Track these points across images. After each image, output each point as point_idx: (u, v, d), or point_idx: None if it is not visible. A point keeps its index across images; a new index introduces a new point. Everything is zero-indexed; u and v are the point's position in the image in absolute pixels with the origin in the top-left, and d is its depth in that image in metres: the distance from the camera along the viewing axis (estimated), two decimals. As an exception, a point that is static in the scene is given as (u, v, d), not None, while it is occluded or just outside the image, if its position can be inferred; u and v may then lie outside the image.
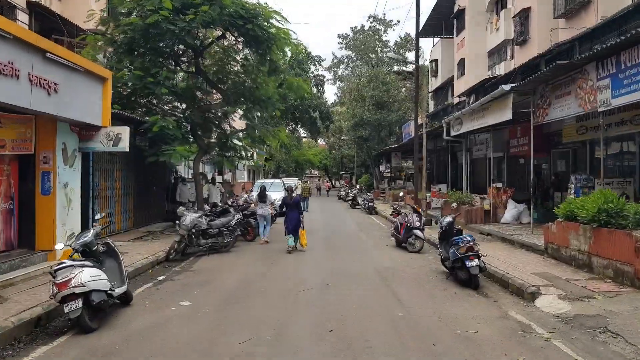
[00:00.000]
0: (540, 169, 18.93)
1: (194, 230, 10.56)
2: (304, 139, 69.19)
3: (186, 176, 20.53)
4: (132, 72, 12.41)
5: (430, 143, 27.58)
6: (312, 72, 49.22)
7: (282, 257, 10.88)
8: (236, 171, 27.00)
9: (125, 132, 9.26)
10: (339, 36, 47.87)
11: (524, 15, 23.00)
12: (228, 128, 15.47)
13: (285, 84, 14.49)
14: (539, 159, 18.85)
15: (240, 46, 14.47)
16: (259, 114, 15.37)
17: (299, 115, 49.09)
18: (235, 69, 15.14)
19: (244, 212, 13.47)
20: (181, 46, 14.13)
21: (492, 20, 28.04)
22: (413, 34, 54.28)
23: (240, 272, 9.07)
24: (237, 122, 16.74)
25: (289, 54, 15.01)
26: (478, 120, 13.93)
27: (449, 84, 36.41)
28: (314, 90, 49.53)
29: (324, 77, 50.18)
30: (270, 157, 47.42)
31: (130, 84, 12.85)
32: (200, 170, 21.35)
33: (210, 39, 14.11)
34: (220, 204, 13.96)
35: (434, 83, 40.41)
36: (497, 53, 28.35)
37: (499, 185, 15.23)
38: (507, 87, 11.23)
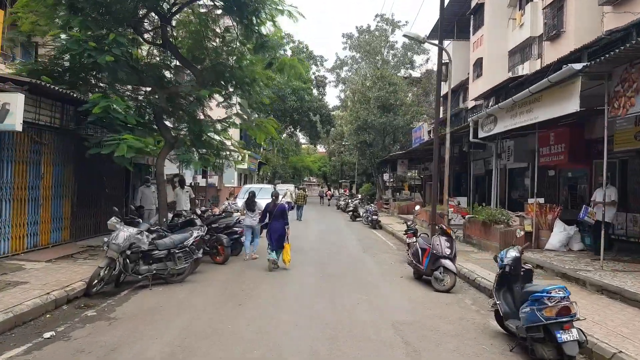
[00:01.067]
0: (576, 183, 15.88)
1: (129, 252, 7.35)
2: (303, 145, 66.17)
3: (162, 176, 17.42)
4: (69, 33, 9.26)
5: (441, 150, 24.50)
6: (314, 73, 46.35)
7: (255, 290, 7.66)
8: (223, 174, 23.80)
9: (16, 101, 6.13)
10: (343, 35, 45.00)
11: (557, 5, 20.04)
12: (202, 117, 12.28)
13: (275, 63, 11.36)
14: (574, 171, 15.82)
15: (219, 12, 11.37)
16: (239, 100, 12.22)
17: (298, 118, 46.14)
18: (214, 43, 12.03)
19: (212, 225, 10.28)
20: (144, 10, 11.04)
21: (516, 15, 25.12)
22: (422, 35, 51.59)
23: (184, 323, 5.84)
24: (217, 111, 13.54)
25: (289, 48, 11.85)
26: (522, 116, 10.79)
27: (461, 88, 33.49)
28: (315, 92, 46.61)
29: (325, 78, 47.25)
30: (265, 162, 44.30)
31: (74, 52, 9.66)
32: (177, 172, 18.21)
33: (181, 3, 11.02)
34: (184, 213, 10.77)
35: (444, 88, 37.50)
36: (520, 52, 25.45)
37: (541, 200, 12.07)
38: (577, 66, 8.10)
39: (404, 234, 11.49)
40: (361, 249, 13.52)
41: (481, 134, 13.48)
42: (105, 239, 7.34)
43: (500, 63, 26.43)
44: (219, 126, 12.29)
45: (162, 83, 11.73)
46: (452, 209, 13.47)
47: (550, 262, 9.45)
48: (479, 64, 28.32)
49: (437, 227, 8.81)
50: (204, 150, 12.69)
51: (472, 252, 11.94)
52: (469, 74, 30.65)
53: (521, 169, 19.08)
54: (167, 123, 12.48)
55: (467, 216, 13.10)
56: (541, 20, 22.27)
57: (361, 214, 24.14)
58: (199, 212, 11.12)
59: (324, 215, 28.65)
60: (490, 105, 24.97)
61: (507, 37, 26.32)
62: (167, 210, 11.84)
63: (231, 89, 11.84)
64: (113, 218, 7.50)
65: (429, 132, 26.35)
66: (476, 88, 27.99)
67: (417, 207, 13.09)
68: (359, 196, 30.71)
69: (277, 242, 9.60)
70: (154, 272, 7.65)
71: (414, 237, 11.06)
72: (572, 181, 16.07)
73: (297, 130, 50.06)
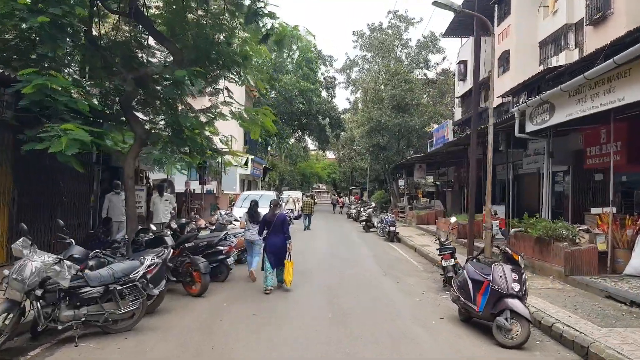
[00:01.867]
0: (629, 189, 13.20)
1: (40, 292, 4.88)
2: (312, 152, 63.75)
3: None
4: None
5: (457, 154, 21.98)
6: (323, 73, 44.02)
7: (233, 349, 5.15)
8: (221, 180, 21.42)
9: None
10: (353, 33, 42.64)
11: (602, -16, 17.43)
12: (181, 107, 9.84)
13: (272, 35, 8.93)
14: (629, 174, 13.16)
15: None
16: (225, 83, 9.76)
17: (307, 122, 43.75)
18: (200, 12, 9.64)
19: (186, 245, 7.81)
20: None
21: (548, 2, 22.53)
22: (438, 33, 49.09)
23: None
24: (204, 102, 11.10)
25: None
26: (596, 99, 8.19)
27: (482, 86, 30.85)
28: (324, 94, 44.24)
29: (335, 79, 44.83)
30: (271, 167, 41.95)
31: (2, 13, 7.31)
32: (165, 176, 15.88)
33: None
34: (153, 228, 8.30)
35: (462, 88, 34.93)
36: (553, 43, 22.86)
37: (613, 209, 9.42)
38: None
39: (438, 254, 8.90)
40: (380, 269, 10.93)
41: (529, 128, 10.90)
42: (6, 272, 4.88)
43: (529, 56, 23.86)
44: (203, 118, 9.85)
45: (132, 64, 9.36)
46: (498, 222, 10.83)
47: (651, 298, 6.80)
48: (504, 57, 25.77)
49: (498, 251, 6.22)
50: (187, 148, 10.26)
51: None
52: (490, 70, 28.03)
53: (557, 173, 16.50)
54: (140, 115, 10.13)
55: (513, 230, 10.48)
56: (578, 4, 19.71)
57: (375, 224, 21.53)
58: (174, 226, 8.66)
59: (334, 225, 26.10)
60: (521, 101, 22.35)
61: (538, 26, 23.78)
62: (138, 222, 9.43)
63: (217, 71, 9.39)
64: (20, 240, 5.05)
65: (454, 130, 23.74)
66: (502, 84, 25.36)
67: (453, 219, 10.47)
68: (373, 204, 28.07)
69: (277, 260, 8.20)
70: (84, 319, 5.16)
71: (452, 259, 8.53)
72: (626, 186, 13.43)
73: (305, 134, 47.66)
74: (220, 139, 10.54)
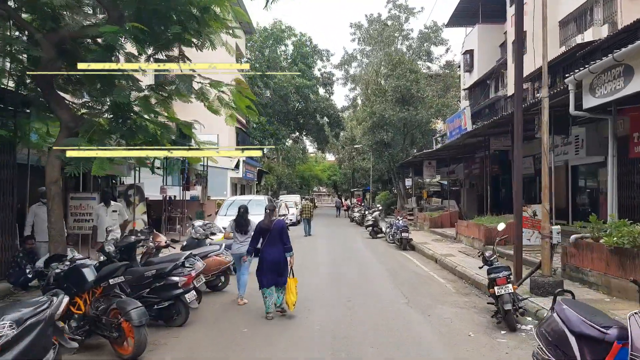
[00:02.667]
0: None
1: None
2: (311, 155, 61.17)
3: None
4: None
5: (470, 148, 19.45)
6: (319, 69, 41.52)
7: None
8: (207, 185, 18.80)
9: None
10: (351, 25, 40.13)
11: (642, -58, 14.93)
12: (124, 84, 7.22)
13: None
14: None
15: None
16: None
17: (304, 121, 41.24)
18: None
19: (112, 282, 5.19)
20: None
21: (570, -26, 20.02)
22: (440, 22, 46.42)
23: None
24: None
25: None
26: None
27: (493, 76, 28.36)
28: (321, 91, 41.74)
29: (332, 75, 42.28)
30: (267, 170, 39.38)
31: None
32: (133, 181, 13.33)
33: None
34: (74, 256, 5.66)
35: (468, 80, 32.42)
36: (575, 21, 20.42)
37: None
38: None
39: (487, 276, 6.28)
40: (400, 294, 8.30)
41: (590, 102, 8.31)
42: None
43: (549, 36, 21.32)
44: (153, 100, 7.24)
45: (52, 25, 6.78)
46: (559, 227, 8.19)
47: None
48: (520, 40, 23.17)
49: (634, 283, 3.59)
50: (139, 139, 7.62)
51: (596, 300, 6.67)
52: (502, 57, 25.62)
53: (590, 166, 14.03)
54: (75, 99, 7.56)
55: (573, 236, 7.89)
56: (608, -27, 17.21)
57: (383, 229, 18.93)
58: (109, 248, 6.04)
59: (337, 231, 23.49)
60: (542, 85, 19.82)
61: (556, 4, 21.28)
62: (66, 243, 6.84)
63: (168, 32, 6.76)
64: None
65: (473, 118, 21.19)
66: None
67: (501, 226, 7.82)
68: (379, 206, 25.43)
69: (275, 277, 6.64)
70: None
71: (508, 284, 5.95)
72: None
73: (303, 134, 45.15)
74: (182, 124, 7.89)
